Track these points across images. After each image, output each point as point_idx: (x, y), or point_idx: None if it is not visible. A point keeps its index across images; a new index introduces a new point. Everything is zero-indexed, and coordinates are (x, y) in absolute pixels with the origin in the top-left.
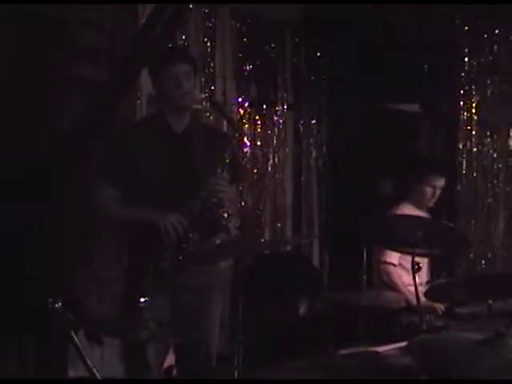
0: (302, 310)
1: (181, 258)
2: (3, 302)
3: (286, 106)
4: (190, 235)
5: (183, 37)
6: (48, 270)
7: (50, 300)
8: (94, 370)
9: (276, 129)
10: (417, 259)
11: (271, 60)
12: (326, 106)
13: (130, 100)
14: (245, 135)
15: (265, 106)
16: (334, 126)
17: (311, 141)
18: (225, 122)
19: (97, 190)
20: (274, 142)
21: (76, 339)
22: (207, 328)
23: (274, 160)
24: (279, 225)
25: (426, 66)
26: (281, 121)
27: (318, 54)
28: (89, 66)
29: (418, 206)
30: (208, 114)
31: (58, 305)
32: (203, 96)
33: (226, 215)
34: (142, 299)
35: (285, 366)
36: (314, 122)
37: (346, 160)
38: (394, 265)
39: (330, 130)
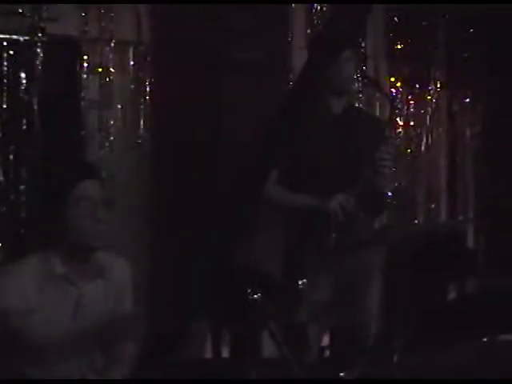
0: (454, 294)
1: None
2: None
3: (439, 85)
4: (358, 214)
5: None
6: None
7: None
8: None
9: (429, 108)
10: None
11: (423, 38)
12: (481, 83)
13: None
14: (398, 115)
15: (417, 86)
16: (489, 103)
17: (465, 119)
18: (377, 103)
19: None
20: (427, 121)
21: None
22: (367, 309)
23: (427, 140)
24: (433, 206)
25: None
26: (434, 100)
27: (472, 29)
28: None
29: None
30: (360, 95)
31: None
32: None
33: (389, 193)
34: (300, 281)
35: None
36: (467, 100)
37: (502, 138)
38: None
39: (486, 109)
